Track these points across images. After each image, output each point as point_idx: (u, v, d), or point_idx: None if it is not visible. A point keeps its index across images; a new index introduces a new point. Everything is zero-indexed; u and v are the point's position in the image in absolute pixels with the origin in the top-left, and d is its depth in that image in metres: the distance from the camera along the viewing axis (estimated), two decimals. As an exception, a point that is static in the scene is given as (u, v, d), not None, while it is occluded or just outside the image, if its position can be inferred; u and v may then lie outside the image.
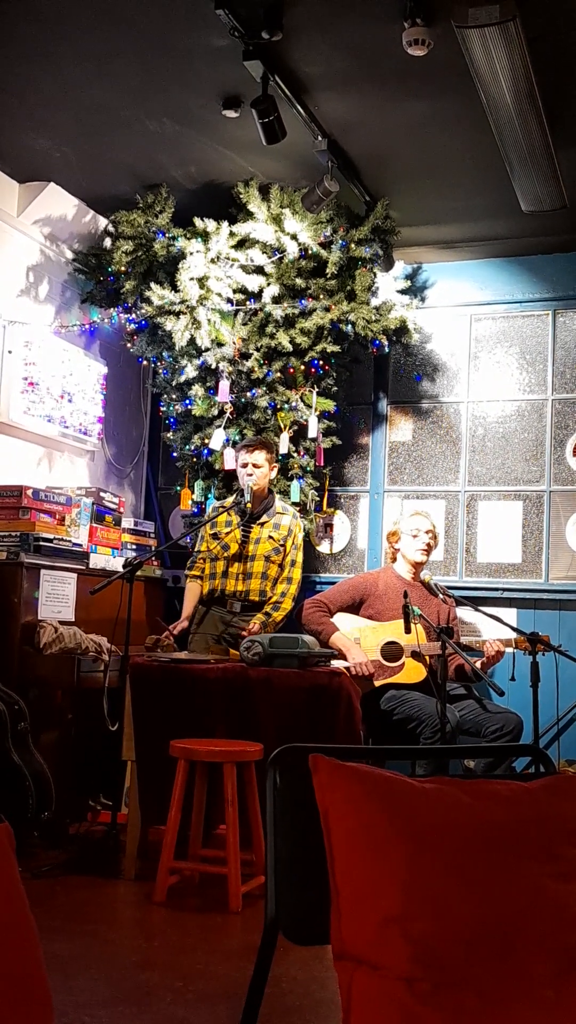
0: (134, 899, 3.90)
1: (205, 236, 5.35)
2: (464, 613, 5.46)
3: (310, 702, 4.09)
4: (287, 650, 4.19)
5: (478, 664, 4.64)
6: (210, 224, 5.36)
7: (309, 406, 5.44)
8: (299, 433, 5.49)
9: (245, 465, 4.97)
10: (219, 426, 5.46)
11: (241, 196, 5.29)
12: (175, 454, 5.79)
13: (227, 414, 5.46)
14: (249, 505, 4.98)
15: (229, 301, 5.35)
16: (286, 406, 5.42)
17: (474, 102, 4.28)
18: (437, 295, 6.07)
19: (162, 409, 5.82)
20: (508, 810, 1.54)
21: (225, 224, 5.36)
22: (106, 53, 4.20)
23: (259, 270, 5.36)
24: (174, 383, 5.60)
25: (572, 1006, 1.37)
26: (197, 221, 5.37)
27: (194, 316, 5.29)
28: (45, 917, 3.52)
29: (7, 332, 5.26)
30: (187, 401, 5.56)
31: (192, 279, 5.26)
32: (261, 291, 5.34)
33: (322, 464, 5.60)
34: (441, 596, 4.83)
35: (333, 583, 5.34)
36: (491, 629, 5.20)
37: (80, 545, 5.17)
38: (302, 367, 5.43)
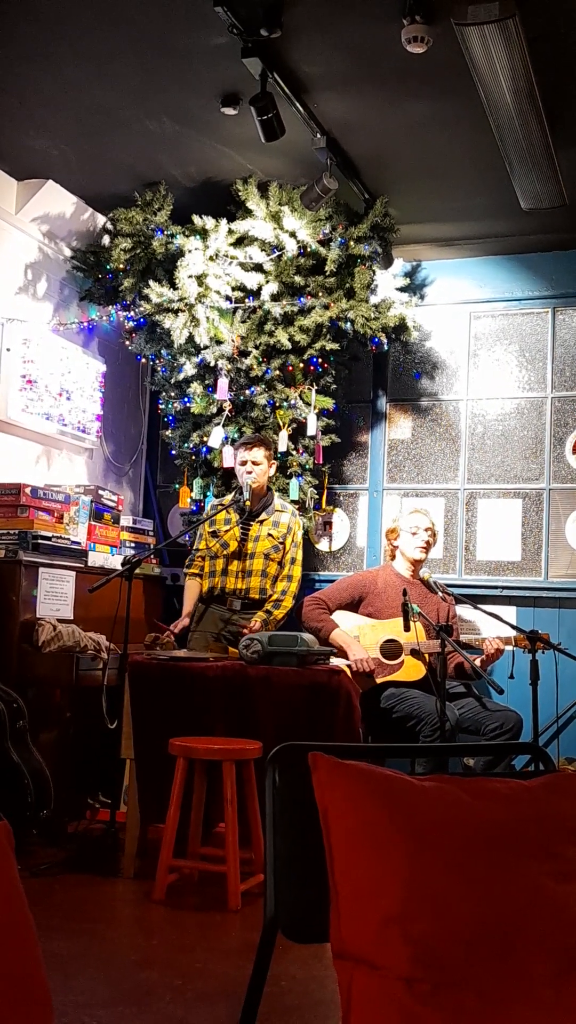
0: (133, 897, 3.90)
1: (204, 234, 5.35)
2: (463, 611, 5.46)
3: (309, 700, 4.09)
4: (286, 648, 4.19)
5: (477, 662, 4.65)
6: (209, 222, 5.35)
7: (308, 404, 5.43)
8: (298, 431, 5.49)
9: (244, 463, 4.96)
10: (218, 424, 5.46)
11: (240, 194, 5.28)
12: (174, 452, 5.79)
13: (226, 412, 5.46)
14: (248, 503, 4.97)
15: (228, 299, 5.34)
16: (285, 404, 5.42)
17: (473, 100, 4.28)
18: (436, 293, 6.07)
19: (161, 407, 5.81)
20: (508, 808, 1.54)
21: (224, 222, 5.36)
22: (105, 53, 4.20)
23: (258, 268, 5.35)
24: (173, 381, 5.60)
25: (572, 1006, 1.37)
26: (196, 219, 5.36)
27: (193, 314, 5.28)
28: (44, 916, 3.52)
29: (5, 330, 5.25)
30: (186, 399, 5.56)
31: (191, 277, 5.26)
32: (260, 289, 5.33)
33: (321, 462, 5.59)
34: (440, 594, 4.83)
35: (332, 581, 5.34)
36: (490, 627, 5.20)
37: (79, 543, 5.17)
38: (301, 365, 5.43)
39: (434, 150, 4.91)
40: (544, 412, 5.83)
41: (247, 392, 5.41)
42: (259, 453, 4.95)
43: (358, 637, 4.85)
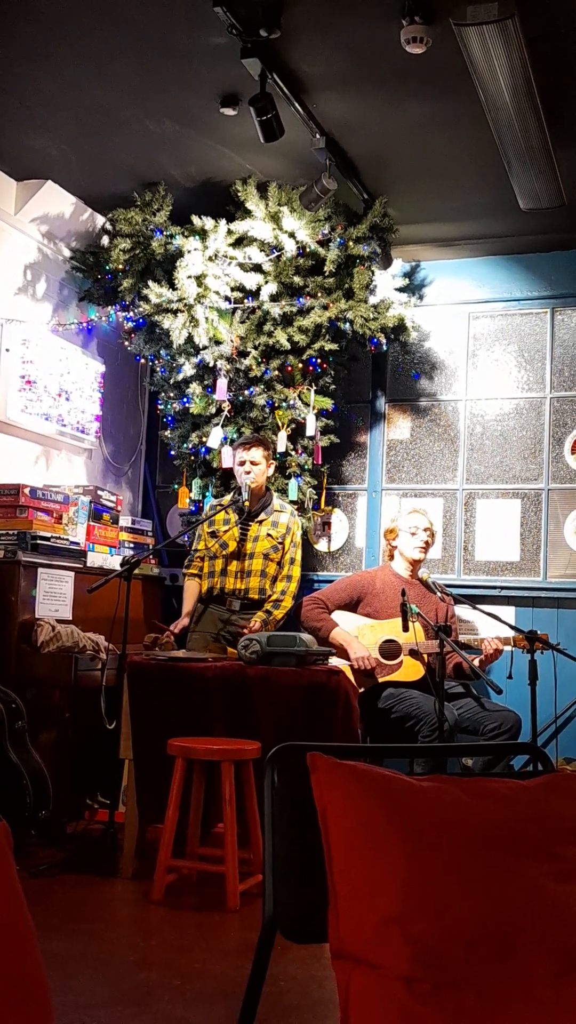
0: (132, 898, 3.90)
1: (203, 234, 5.35)
2: (462, 611, 5.46)
3: (308, 700, 4.08)
4: (285, 648, 4.18)
5: (476, 662, 4.64)
6: (208, 222, 5.35)
7: (307, 404, 5.44)
8: (297, 431, 5.49)
9: (243, 463, 4.96)
10: (217, 424, 5.46)
11: (239, 194, 5.28)
12: (173, 452, 5.79)
13: (225, 412, 5.46)
14: (247, 503, 4.97)
15: (227, 299, 5.34)
16: (284, 404, 5.42)
17: (473, 100, 4.28)
18: (435, 293, 6.07)
19: (160, 407, 5.81)
20: (506, 809, 1.54)
21: (223, 222, 5.36)
22: (105, 53, 4.20)
23: (257, 268, 5.35)
24: (172, 381, 5.60)
25: (572, 1006, 1.37)
26: (195, 219, 5.36)
27: (192, 314, 5.28)
28: (43, 916, 3.52)
29: (5, 330, 5.25)
30: (185, 399, 5.56)
31: (190, 277, 5.26)
32: (259, 289, 5.33)
33: (320, 462, 5.59)
34: (439, 594, 4.83)
35: (331, 581, 5.34)
36: (489, 627, 5.21)
37: (77, 543, 5.17)
38: (300, 365, 5.43)
39: (433, 150, 4.91)
40: (543, 412, 5.83)
41: (246, 392, 5.41)
42: (257, 453, 4.95)
43: (357, 637, 4.85)
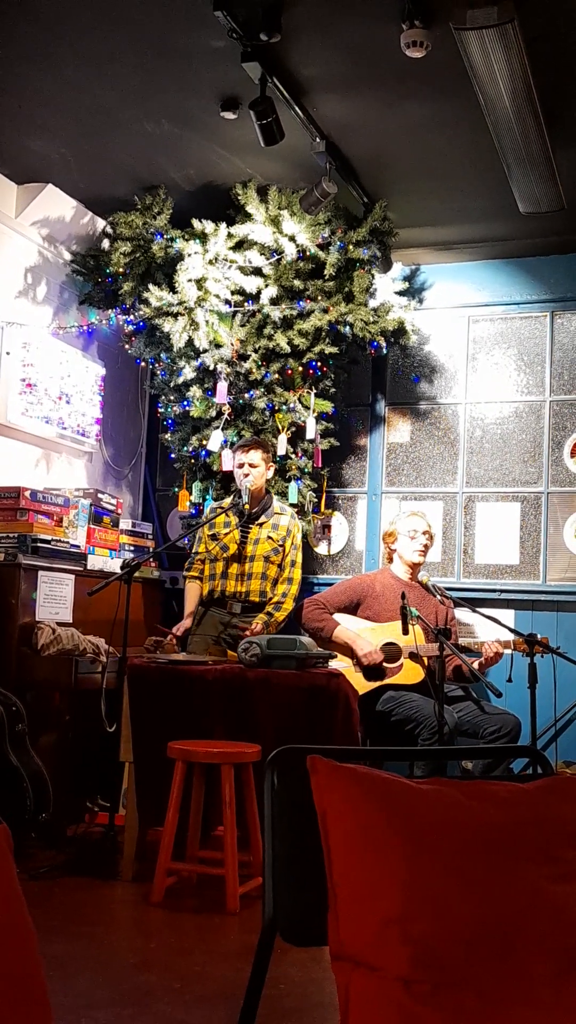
0: (132, 900, 3.90)
1: (203, 237, 5.36)
2: (462, 614, 5.46)
3: (308, 703, 4.08)
4: (285, 651, 4.18)
5: (476, 665, 4.64)
6: (208, 225, 5.36)
7: (307, 407, 5.44)
8: (297, 434, 5.50)
9: (241, 465, 4.97)
10: (217, 427, 5.46)
11: (239, 198, 5.29)
12: (173, 455, 5.79)
13: (225, 415, 5.47)
14: (247, 506, 4.98)
15: (227, 302, 5.35)
16: (284, 407, 5.42)
17: (472, 104, 4.29)
18: (435, 296, 6.08)
19: (160, 410, 5.82)
20: (506, 811, 1.54)
21: (223, 226, 5.36)
22: (105, 54, 4.20)
23: (257, 271, 5.36)
24: (172, 384, 5.60)
25: (572, 1006, 1.37)
26: (195, 222, 5.37)
27: (192, 317, 5.29)
28: (43, 918, 3.51)
29: (5, 333, 5.26)
30: (185, 402, 5.56)
31: (190, 280, 5.27)
32: (259, 292, 5.34)
33: (320, 465, 5.60)
34: (439, 597, 4.83)
35: (331, 584, 5.34)
36: (489, 630, 5.20)
37: (78, 546, 5.17)
38: (300, 368, 5.43)
39: (433, 152, 4.91)
40: (542, 416, 5.84)
41: (246, 396, 5.42)
42: (256, 455, 4.96)
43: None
